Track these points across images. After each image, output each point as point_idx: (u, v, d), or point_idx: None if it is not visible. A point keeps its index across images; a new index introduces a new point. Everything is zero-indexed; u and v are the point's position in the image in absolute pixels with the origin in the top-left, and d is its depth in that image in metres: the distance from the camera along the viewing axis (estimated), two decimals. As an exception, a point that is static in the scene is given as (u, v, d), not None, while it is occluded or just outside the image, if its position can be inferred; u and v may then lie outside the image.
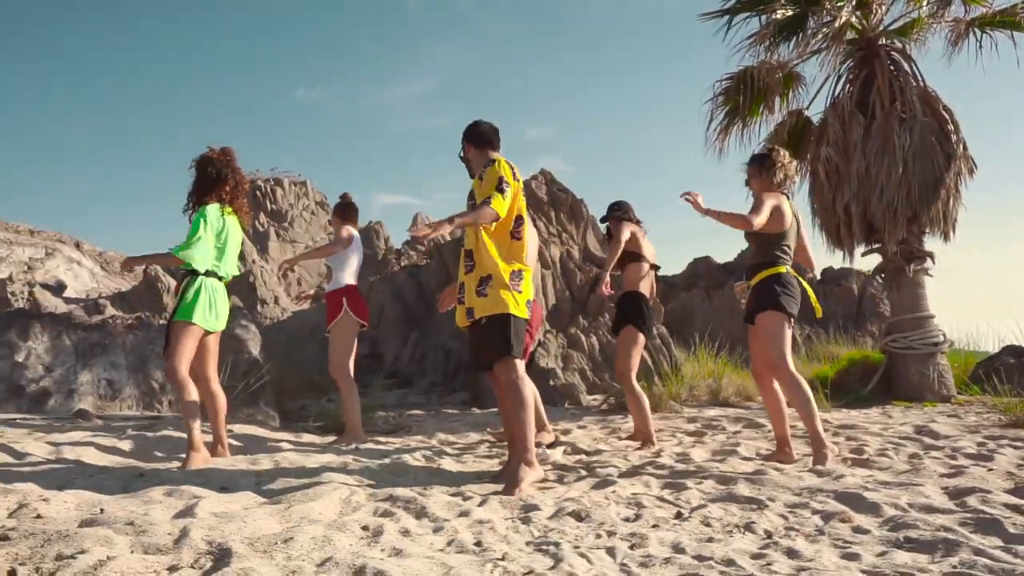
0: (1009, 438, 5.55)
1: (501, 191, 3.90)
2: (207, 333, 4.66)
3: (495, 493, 3.76)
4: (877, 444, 5.40)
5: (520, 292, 4.06)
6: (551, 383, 8.77)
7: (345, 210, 6.31)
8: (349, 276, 6.14)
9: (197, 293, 4.51)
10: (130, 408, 7.83)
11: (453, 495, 3.73)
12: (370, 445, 5.89)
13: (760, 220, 4.51)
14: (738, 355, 10.72)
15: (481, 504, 3.49)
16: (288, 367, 12.63)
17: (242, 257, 14.68)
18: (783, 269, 4.71)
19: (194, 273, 4.55)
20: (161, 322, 8.81)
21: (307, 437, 6.56)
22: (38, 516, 2.97)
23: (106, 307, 13.16)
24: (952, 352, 9.95)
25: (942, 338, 8.75)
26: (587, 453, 5.37)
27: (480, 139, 4.27)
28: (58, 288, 16.76)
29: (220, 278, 4.68)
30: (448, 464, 4.87)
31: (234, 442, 5.51)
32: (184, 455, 4.50)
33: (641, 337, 5.66)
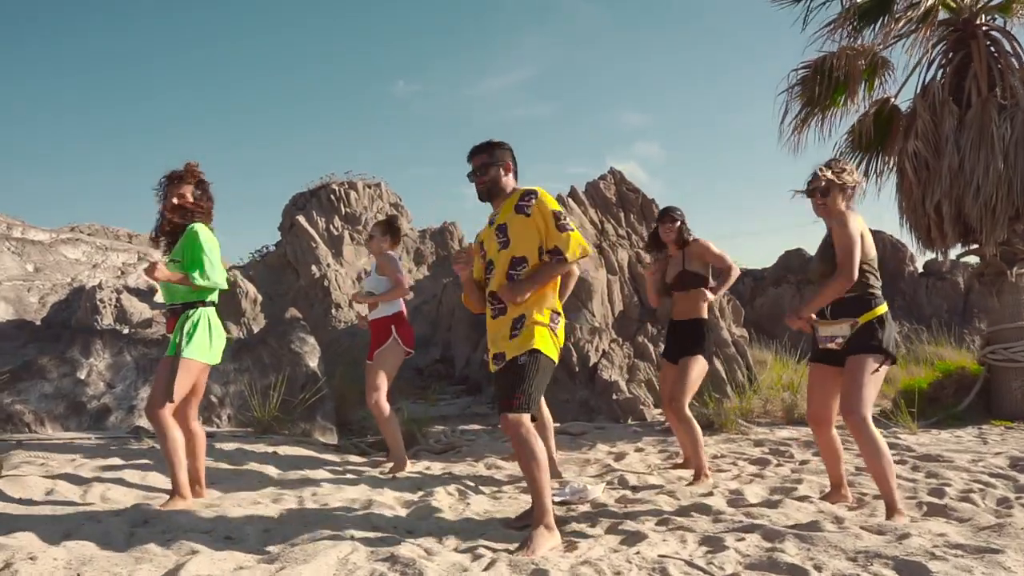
0: (1123, 478, 4.85)
1: (566, 228, 3.62)
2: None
3: (507, 551, 3.46)
4: (961, 484, 4.81)
5: (556, 336, 3.74)
6: (614, 397, 8.38)
7: (395, 233, 6.09)
8: (398, 303, 5.94)
9: (208, 327, 4.34)
10: (190, 423, 7.89)
11: (464, 551, 3.46)
12: (410, 472, 5.69)
13: (853, 264, 3.99)
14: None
15: (488, 568, 3.20)
16: (358, 374, 12.68)
17: (316, 261, 14.84)
18: (885, 308, 4.15)
19: (196, 304, 4.33)
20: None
21: (353, 458, 6.42)
22: (13, 583, 2.86)
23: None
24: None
25: (1050, 349, 7.90)
26: (633, 488, 4.99)
27: (514, 162, 3.89)
28: (149, 292, 17.43)
29: (215, 306, 4.46)
30: (479, 503, 4.60)
31: (271, 469, 5.40)
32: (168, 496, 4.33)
33: (706, 366, 5.29)
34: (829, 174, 4.19)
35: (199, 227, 4.33)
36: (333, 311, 14.03)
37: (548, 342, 3.67)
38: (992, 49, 8.21)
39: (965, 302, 18.07)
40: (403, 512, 4.27)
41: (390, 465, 5.79)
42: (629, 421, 8.27)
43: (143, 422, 7.48)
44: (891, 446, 6.28)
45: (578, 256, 3.62)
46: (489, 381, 11.76)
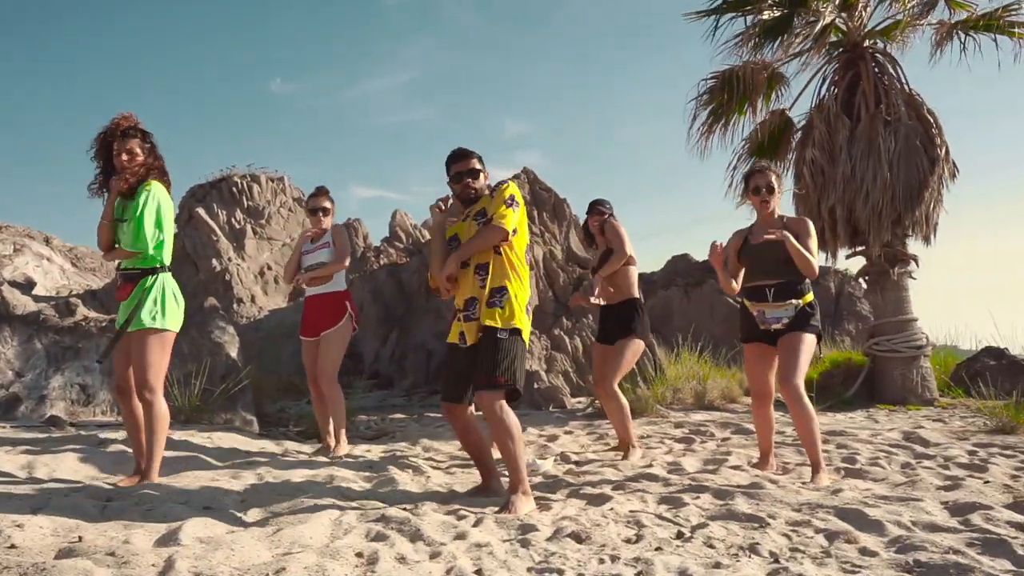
0: (999, 446, 5.54)
1: (511, 206, 3.84)
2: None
3: (491, 510, 3.65)
4: (868, 452, 5.36)
5: (528, 323, 3.99)
6: (535, 386, 8.67)
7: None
8: (344, 278, 5.95)
9: (173, 293, 4.15)
10: (104, 413, 7.63)
11: (447, 514, 3.61)
12: (351, 454, 5.75)
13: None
14: (720, 356, 10.71)
15: (477, 524, 3.38)
16: (265, 368, 12.44)
17: (217, 254, 14.41)
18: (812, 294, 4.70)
19: (155, 269, 4.07)
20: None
21: (288, 444, 6.41)
22: (12, 546, 2.81)
23: (77, 307, 12.87)
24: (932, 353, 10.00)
25: (925, 341, 8.78)
26: (577, 464, 5.27)
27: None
28: (27, 286, 16.38)
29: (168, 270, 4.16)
30: (437, 477, 4.75)
31: (211, 459, 5.34)
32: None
33: (642, 347, 5.55)
34: (773, 178, 4.67)
35: (157, 186, 4.09)
36: (235, 306, 13.67)
37: (527, 326, 3.91)
38: (877, 70, 9.06)
39: (836, 305, 19.55)
40: (368, 485, 4.38)
41: (339, 448, 5.74)
42: (551, 408, 8.58)
43: (57, 411, 7.17)
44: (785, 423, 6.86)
45: (504, 226, 3.79)
46: (401, 376, 11.81)
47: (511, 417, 3.79)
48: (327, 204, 5.80)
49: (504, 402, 3.80)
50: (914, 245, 8.96)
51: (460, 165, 3.99)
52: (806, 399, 4.44)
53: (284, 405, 10.18)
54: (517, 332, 3.82)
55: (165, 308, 4.08)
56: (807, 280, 4.58)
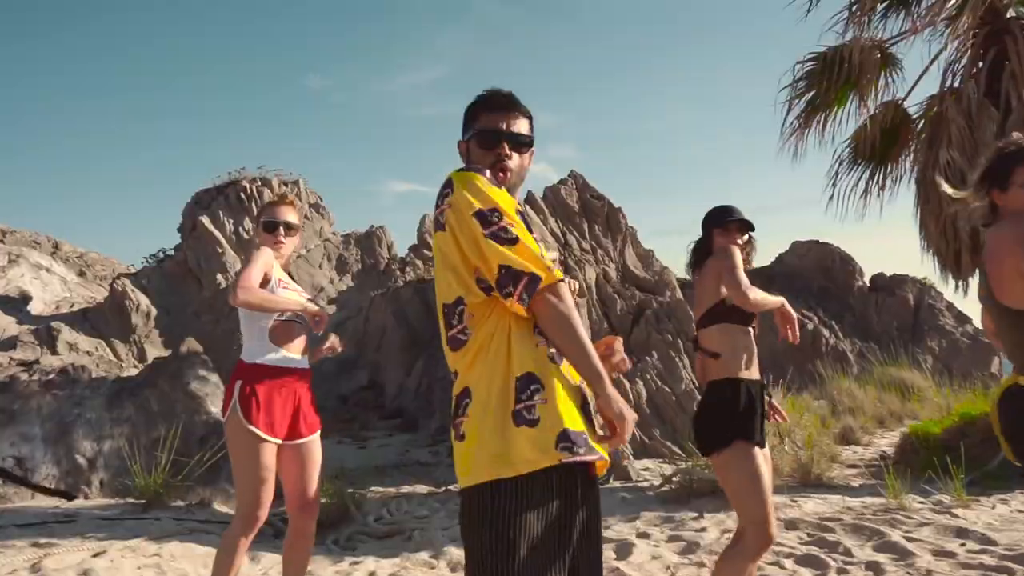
0: None
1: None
2: None
3: None
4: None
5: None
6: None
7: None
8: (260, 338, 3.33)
9: None
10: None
11: None
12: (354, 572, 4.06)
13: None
14: (790, 386, 8.80)
15: None
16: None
17: (223, 268, 12.80)
18: None
19: None
20: (101, 374, 7.02)
21: (263, 556, 4.73)
22: None
23: (60, 332, 11.39)
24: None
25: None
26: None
27: None
28: (21, 300, 15.03)
29: None
30: None
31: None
32: None
33: (756, 453, 3.54)
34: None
35: None
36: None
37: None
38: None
39: (915, 319, 17.48)
40: None
41: None
42: (611, 481, 6.82)
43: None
44: (949, 529, 5.03)
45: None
46: (428, 414, 10.14)
47: None
48: (292, 216, 3.57)
49: None
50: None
51: (520, 119, 2.09)
52: None
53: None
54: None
55: None
56: None
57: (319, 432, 3.47)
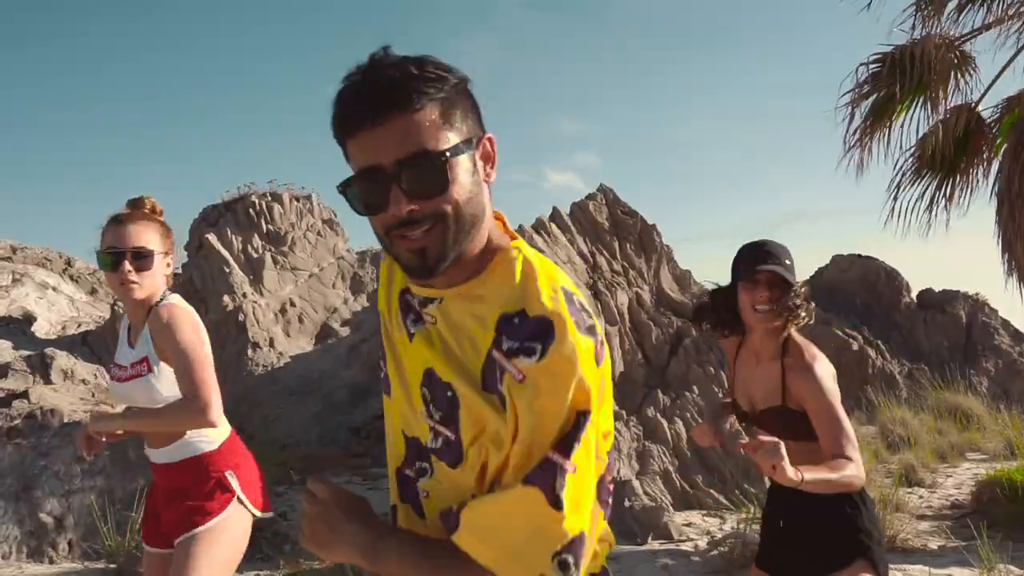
0: None
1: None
2: None
3: None
4: None
5: None
6: (626, 504, 6.06)
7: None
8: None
9: None
10: (5, 557, 5.31)
11: None
12: None
13: None
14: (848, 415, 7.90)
15: None
16: (273, 437, 10.10)
17: (230, 289, 12.12)
18: None
19: None
20: (77, 417, 6.32)
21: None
22: None
23: (54, 359, 10.76)
24: None
25: None
26: None
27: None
28: (24, 322, 14.49)
29: None
30: None
31: None
32: None
33: None
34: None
35: None
36: (249, 352, 11.41)
37: None
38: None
39: (967, 338, 16.38)
40: None
41: None
42: (650, 542, 5.96)
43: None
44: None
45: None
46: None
47: None
48: (147, 238, 2.43)
49: None
50: None
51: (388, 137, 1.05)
52: None
53: (284, 491, 7.72)
54: None
55: None
56: None
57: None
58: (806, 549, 2.46)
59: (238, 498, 2.44)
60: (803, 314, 2.46)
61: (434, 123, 1.04)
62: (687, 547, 5.81)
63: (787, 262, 2.48)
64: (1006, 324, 16.44)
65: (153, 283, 2.42)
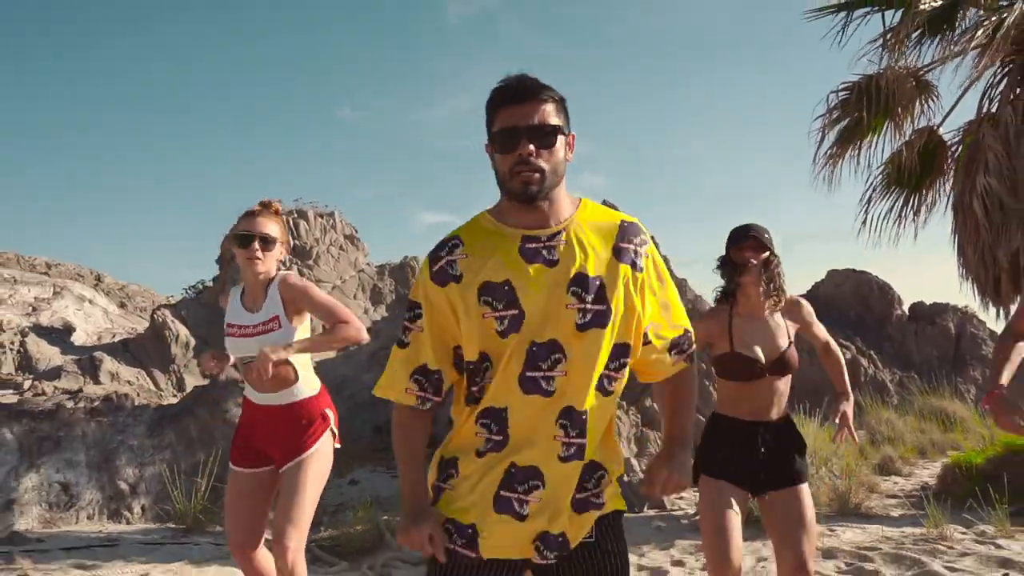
0: None
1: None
2: None
3: None
4: None
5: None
6: (626, 479, 6.87)
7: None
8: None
9: None
10: (90, 518, 6.15)
11: None
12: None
13: None
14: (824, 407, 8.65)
15: None
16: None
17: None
18: None
19: None
20: (143, 402, 7.17)
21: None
22: None
23: (102, 362, 11.64)
24: None
25: None
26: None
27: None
28: (65, 331, 15.38)
29: None
30: None
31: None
32: None
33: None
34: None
35: None
36: (278, 357, 12.24)
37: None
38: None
39: (956, 348, 17.15)
40: None
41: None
42: (646, 510, 6.77)
43: (26, 520, 5.72)
44: (992, 560, 4.90)
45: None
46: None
47: None
48: (271, 228, 3.27)
49: None
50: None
51: (528, 107, 1.80)
52: None
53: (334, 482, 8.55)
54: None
55: None
56: None
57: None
58: (782, 465, 3.21)
59: (331, 429, 3.28)
60: (781, 277, 3.19)
61: (550, 111, 1.79)
62: (678, 513, 6.63)
63: (766, 236, 3.20)
64: (993, 335, 17.15)
65: (272, 262, 3.23)
